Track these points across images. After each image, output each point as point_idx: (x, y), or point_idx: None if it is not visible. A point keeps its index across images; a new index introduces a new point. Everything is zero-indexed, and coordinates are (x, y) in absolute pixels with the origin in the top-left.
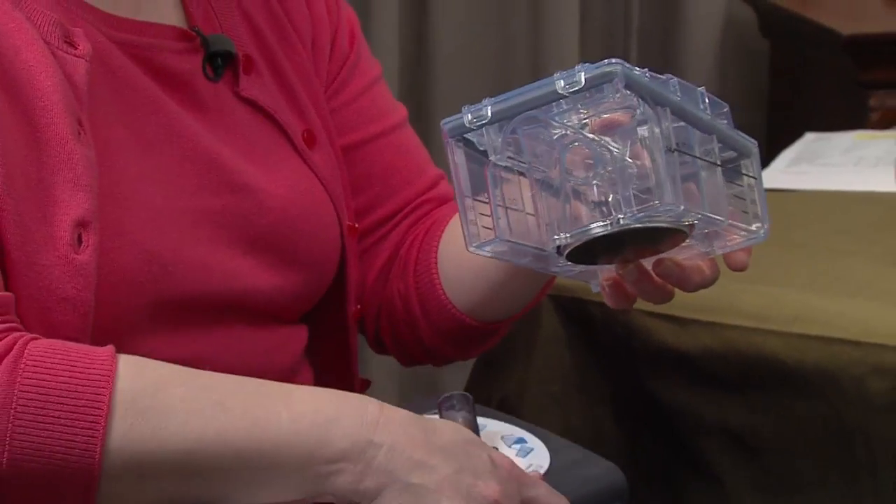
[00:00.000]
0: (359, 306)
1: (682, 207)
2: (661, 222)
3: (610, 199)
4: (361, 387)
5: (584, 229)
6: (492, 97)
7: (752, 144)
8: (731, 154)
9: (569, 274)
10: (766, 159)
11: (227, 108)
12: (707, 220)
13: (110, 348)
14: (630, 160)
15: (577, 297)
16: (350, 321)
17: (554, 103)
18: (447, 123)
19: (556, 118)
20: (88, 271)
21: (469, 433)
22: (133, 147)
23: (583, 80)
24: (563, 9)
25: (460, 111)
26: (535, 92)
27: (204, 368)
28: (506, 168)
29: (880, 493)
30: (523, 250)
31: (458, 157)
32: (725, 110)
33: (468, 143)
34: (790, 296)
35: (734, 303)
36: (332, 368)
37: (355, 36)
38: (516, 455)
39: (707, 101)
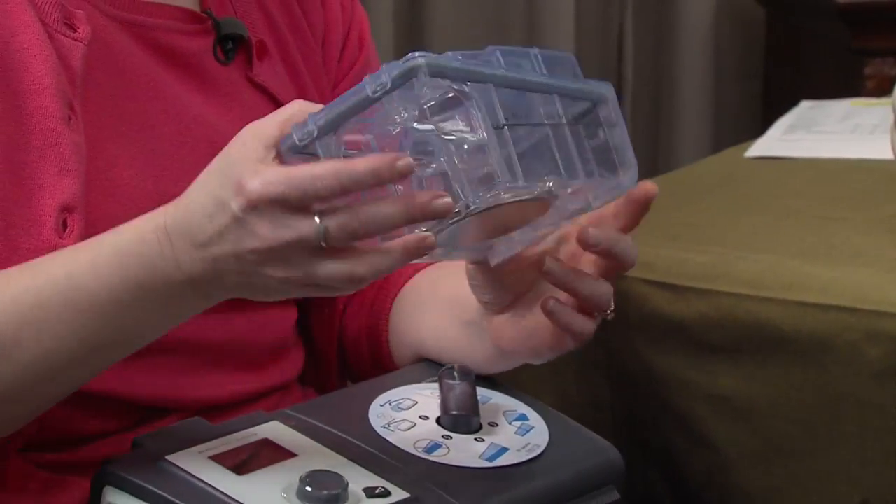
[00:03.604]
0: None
1: (522, 182)
2: (514, 198)
3: (454, 186)
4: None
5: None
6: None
7: (605, 90)
8: (584, 106)
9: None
10: (762, 127)
11: (236, 93)
12: (562, 183)
13: None
14: (468, 142)
15: None
16: (338, 312)
17: (384, 103)
18: (283, 143)
19: (389, 115)
20: None
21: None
22: (128, 131)
23: (389, 81)
24: None
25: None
26: (350, 100)
27: (193, 344)
28: None
29: (869, 460)
30: None
31: None
32: (569, 63)
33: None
34: (786, 263)
35: (730, 270)
36: (322, 348)
37: (365, 39)
38: (515, 433)
39: (540, 60)
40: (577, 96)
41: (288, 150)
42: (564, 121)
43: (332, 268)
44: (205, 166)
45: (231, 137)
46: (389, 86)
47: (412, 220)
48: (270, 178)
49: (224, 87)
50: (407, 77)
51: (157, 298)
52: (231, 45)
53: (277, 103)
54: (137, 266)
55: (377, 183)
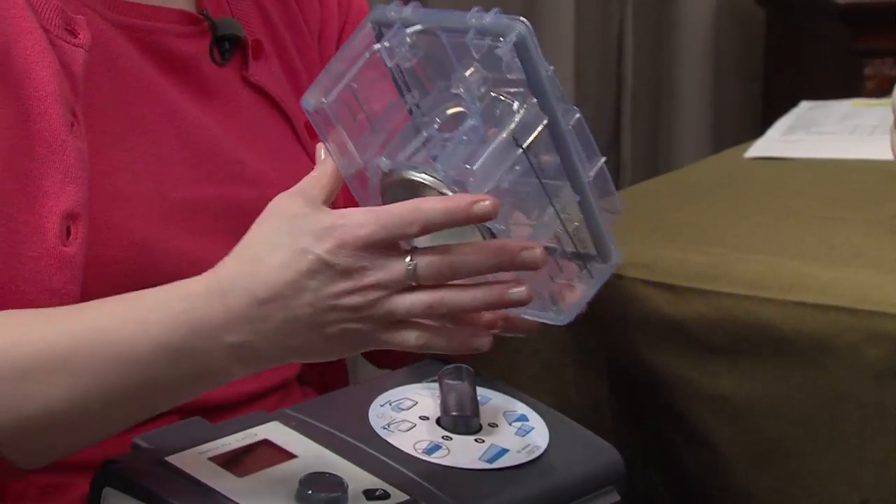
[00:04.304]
0: None
1: (479, 183)
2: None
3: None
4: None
5: (399, 163)
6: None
7: (615, 255)
8: (589, 251)
9: None
10: (762, 128)
11: (233, 94)
12: (503, 235)
13: None
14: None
15: None
16: None
17: (466, 41)
18: (374, 11)
19: (462, 70)
20: (76, 264)
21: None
22: (129, 136)
23: (489, 18)
24: None
25: None
26: (446, 14)
27: None
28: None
29: (869, 459)
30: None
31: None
32: (615, 210)
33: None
34: (786, 264)
35: (730, 271)
36: None
37: None
38: (515, 434)
39: (594, 174)
40: (595, 237)
41: (373, 20)
42: (561, 227)
43: (412, 299)
44: (205, 168)
45: (229, 140)
46: (484, 22)
47: (500, 268)
48: (358, 219)
49: (222, 89)
50: (504, 29)
51: (191, 363)
52: (227, 46)
53: (274, 103)
54: (184, 326)
55: (453, 224)
